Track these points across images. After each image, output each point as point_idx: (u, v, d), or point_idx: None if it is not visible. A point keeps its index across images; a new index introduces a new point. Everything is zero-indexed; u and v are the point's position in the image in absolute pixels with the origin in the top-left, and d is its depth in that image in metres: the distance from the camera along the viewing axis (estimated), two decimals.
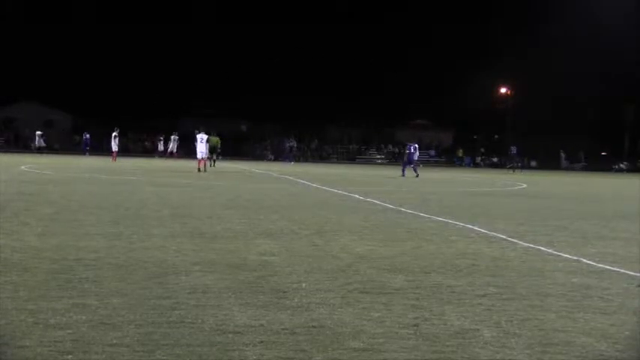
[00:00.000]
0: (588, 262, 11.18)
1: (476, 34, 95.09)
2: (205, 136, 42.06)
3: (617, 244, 13.74)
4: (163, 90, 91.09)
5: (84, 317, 6.73)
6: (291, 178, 36.62)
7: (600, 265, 10.88)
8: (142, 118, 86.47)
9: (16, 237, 11.50)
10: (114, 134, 58.05)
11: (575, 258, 11.50)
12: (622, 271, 10.48)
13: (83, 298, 7.45)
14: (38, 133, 68.91)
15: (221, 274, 9.02)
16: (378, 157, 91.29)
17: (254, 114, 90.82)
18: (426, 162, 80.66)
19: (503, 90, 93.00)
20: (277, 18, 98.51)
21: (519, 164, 71.70)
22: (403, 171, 43.94)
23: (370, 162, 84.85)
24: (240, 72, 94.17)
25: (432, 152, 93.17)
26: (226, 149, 79.09)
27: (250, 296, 7.88)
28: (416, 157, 55.10)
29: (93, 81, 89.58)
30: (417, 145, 52.41)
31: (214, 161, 47.91)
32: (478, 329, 6.89)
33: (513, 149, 73.35)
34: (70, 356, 5.66)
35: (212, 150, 48.28)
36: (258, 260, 10.17)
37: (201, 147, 41.65)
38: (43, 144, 67.38)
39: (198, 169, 39.70)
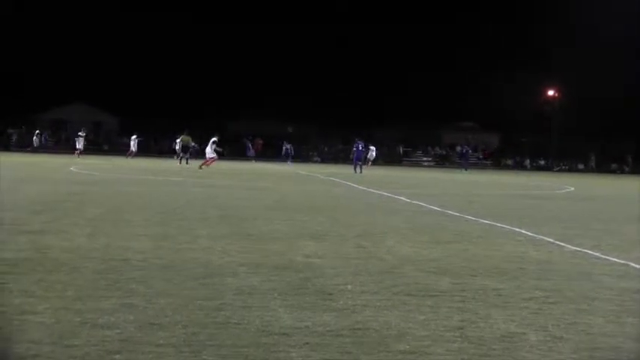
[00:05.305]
0: (636, 266, 11.03)
1: (523, 35, 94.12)
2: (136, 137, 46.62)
3: None
4: (212, 92, 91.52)
5: (131, 317, 6.78)
6: (336, 180, 36.65)
7: None
8: (190, 120, 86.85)
9: (66, 237, 11.64)
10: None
11: (623, 262, 11.34)
12: None
13: (130, 299, 7.51)
14: (37, 132, 74.28)
15: (267, 276, 9.04)
16: (425, 159, 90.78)
17: (300, 115, 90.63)
18: (472, 165, 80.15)
19: (550, 92, 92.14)
20: (324, 19, 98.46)
21: (468, 164, 73.45)
22: (355, 168, 47.77)
23: (417, 164, 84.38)
24: (287, 74, 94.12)
25: (480, 155, 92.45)
26: (271, 152, 79.54)
27: (296, 298, 7.89)
28: (372, 155, 57.96)
29: (141, 83, 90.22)
30: (374, 146, 55.83)
31: (187, 160, 48.60)
32: (524, 333, 6.84)
33: (465, 148, 76.61)
34: (117, 356, 5.71)
35: (184, 149, 49.54)
36: (304, 262, 10.18)
37: (133, 145, 45.64)
38: (38, 144, 72.66)
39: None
